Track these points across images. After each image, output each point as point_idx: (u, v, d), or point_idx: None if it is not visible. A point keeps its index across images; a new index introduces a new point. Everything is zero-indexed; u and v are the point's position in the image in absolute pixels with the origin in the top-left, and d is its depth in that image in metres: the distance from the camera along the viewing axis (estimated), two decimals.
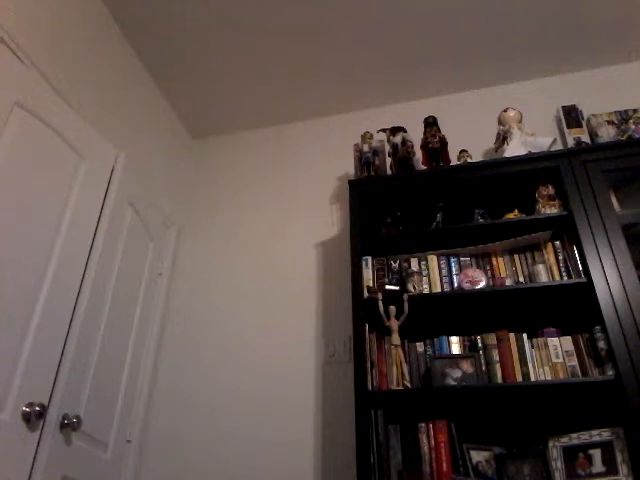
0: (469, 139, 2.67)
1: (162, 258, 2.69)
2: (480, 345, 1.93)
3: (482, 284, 2.01)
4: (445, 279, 2.09)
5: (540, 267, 1.99)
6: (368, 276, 2.13)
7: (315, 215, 2.76)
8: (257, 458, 2.19)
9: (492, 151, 2.56)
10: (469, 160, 2.38)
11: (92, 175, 2.15)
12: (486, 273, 2.07)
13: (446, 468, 1.74)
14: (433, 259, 2.14)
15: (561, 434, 1.77)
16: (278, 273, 2.63)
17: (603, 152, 2.09)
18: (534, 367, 1.85)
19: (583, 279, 1.89)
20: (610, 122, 2.39)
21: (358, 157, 2.51)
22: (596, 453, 1.69)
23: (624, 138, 2.30)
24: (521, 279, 2.03)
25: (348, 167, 2.85)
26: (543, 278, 1.97)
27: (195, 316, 2.63)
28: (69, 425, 1.79)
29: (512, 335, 1.91)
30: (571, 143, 2.42)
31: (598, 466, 1.67)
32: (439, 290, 2.07)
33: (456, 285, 2.07)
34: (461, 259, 2.12)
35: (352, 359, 2.23)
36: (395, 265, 2.17)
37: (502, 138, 2.42)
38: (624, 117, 2.39)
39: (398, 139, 2.44)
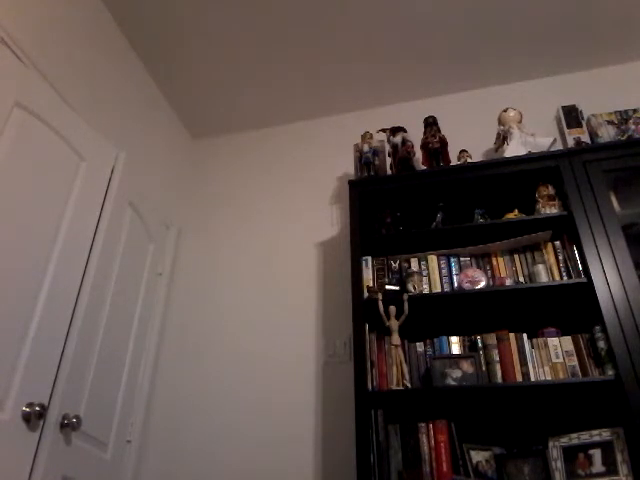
0: (469, 139, 2.67)
1: (162, 258, 2.69)
2: (480, 345, 1.93)
3: (482, 284, 2.01)
4: (445, 279, 2.09)
5: (540, 267, 1.99)
6: (368, 276, 2.13)
7: (315, 215, 2.76)
8: (257, 458, 2.19)
9: (492, 151, 2.56)
10: (469, 160, 2.38)
11: (92, 175, 2.15)
12: (486, 273, 2.07)
13: (446, 468, 1.74)
14: (433, 259, 2.14)
15: (561, 434, 1.77)
16: (278, 273, 2.63)
17: (603, 152, 2.09)
18: (534, 367, 1.85)
19: (583, 279, 1.89)
20: (610, 122, 2.39)
21: (358, 157, 2.51)
22: (596, 453, 1.69)
23: (624, 138, 2.30)
24: (521, 279, 2.03)
25: (348, 167, 2.85)
26: (543, 278, 1.97)
27: (195, 316, 2.63)
28: (69, 425, 1.79)
29: (512, 335, 1.91)
30: (571, 143, 2.42)
31: (598, 466, 1.67)
32: (439, 290, 2.07)
33: (456, 285, 2.07)
34: (461, 259, 2.12)
35: (352, 359, 2.22)
36: (395, 265, 2.17)
37: (502, 138, 2.42)
38: (624, 117, 2.39)
39: (398, 139, 2.44)
